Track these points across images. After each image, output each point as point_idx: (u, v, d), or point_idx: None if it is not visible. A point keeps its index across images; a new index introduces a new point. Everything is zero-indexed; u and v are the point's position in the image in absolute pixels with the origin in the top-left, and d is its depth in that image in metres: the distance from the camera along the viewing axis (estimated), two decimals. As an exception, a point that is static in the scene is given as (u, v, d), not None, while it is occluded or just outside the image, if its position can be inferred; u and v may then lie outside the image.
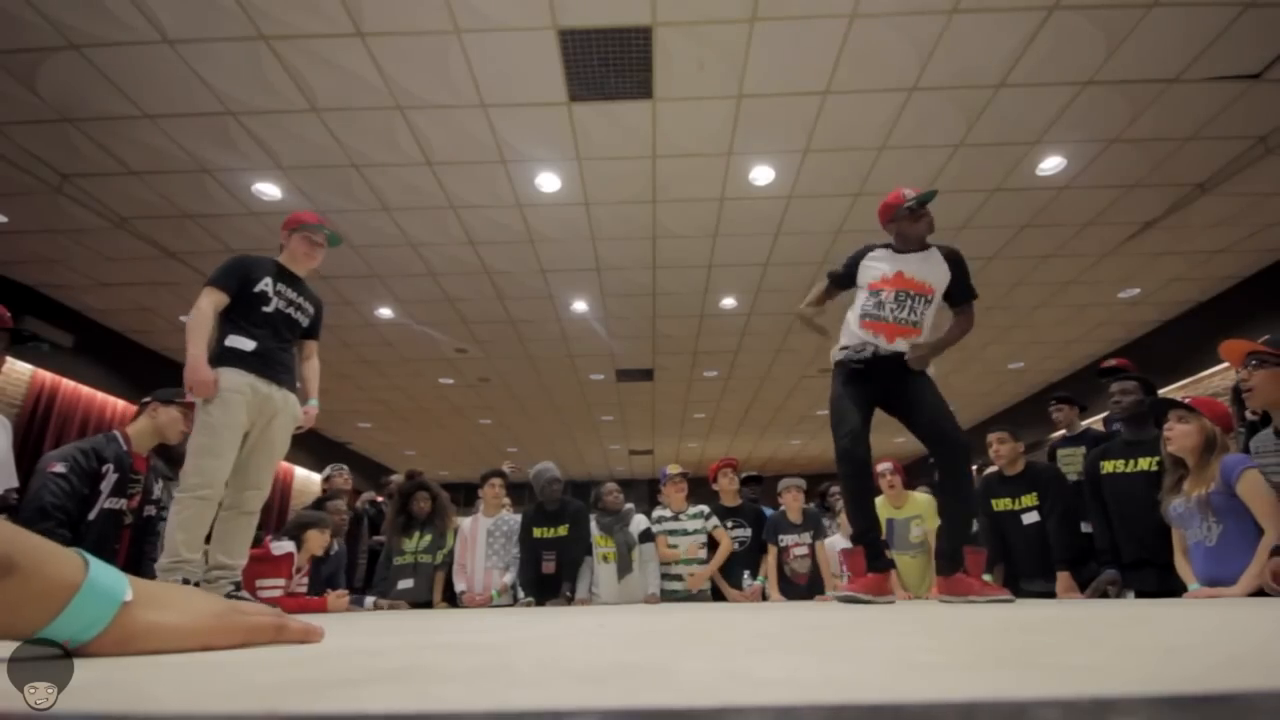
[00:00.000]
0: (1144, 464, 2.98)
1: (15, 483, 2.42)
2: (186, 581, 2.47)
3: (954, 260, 2.60)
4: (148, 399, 2.95)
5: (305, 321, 2.92)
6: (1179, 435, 2.51)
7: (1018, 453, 3.71)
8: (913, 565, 4.16)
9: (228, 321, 2.68)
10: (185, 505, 2.50)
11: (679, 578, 4.16)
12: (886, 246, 2.64)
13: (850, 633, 0.88)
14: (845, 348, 2.53)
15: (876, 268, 2.58)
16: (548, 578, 4.09)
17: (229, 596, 2.53)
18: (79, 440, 2.83)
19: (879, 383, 2.48)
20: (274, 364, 2.72)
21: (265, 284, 2.74)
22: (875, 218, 5.46)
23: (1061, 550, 3.33)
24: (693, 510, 4.28)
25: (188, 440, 2.62)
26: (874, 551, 2.44)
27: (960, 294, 2.63)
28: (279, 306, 2.77)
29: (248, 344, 2.65)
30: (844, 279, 2.70)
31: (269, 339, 2.71)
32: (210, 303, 2.62)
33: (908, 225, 2.56)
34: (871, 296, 2.54)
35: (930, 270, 2.55)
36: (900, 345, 2.48)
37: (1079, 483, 3.43)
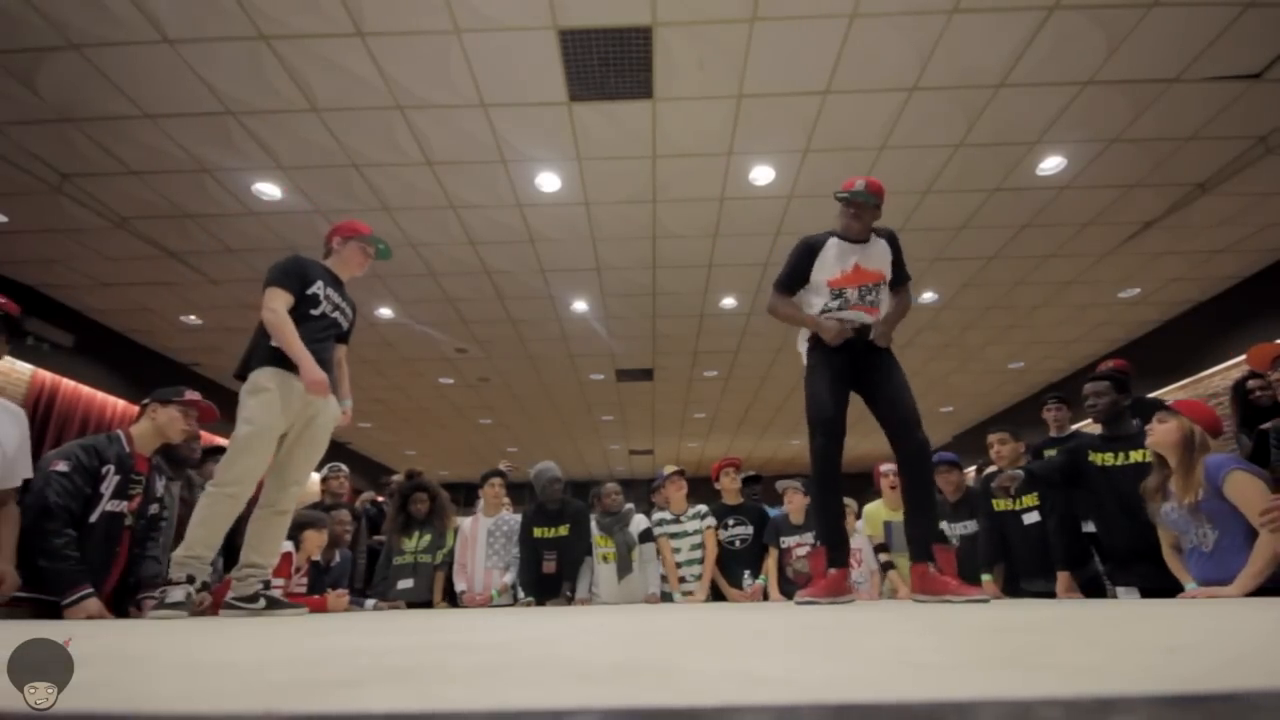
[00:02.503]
0: (1136, 456, 2.96)
1: (30, 474, 2.41)
2: (191, 580, 2.46)
3: (892, 240, 2.70)
4: (147, 400, 2.94)
5: (345, 325, 2.99)
6: (1159, 433, 2.54)
7: (1018, 453, 3.71)
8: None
9: None
10: (214, 500, 2.50)
11: (682, 579, 4.16)
12: (831, 235, 2.69)
13: (851, 632, 0.88)
14: (848, 326, 2.61)
15: (833, 263, 2.62)
16: (548, 578, 4.08)
17: (258, 595, 2.58)
18: (80, 439, 2.82)
19: (853, 359, 2.58)
20: (318, 364, 2.71)
21: (318, 287, 2.79)
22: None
23: (1062, 550, 3.32)
24: (692, 512, 4.28)
25: (231, 437, 2.62)
26: (836, 551, 2.51)
27: (898, 276, 2.73)
28: (326, 310, 2.81)
29: None
30: (797, 280, 2.71)
31: (314, 340, 2.72)
32: (283, 303, 2.64)
33: (845, 215, 2.64)
34: (835, 296, 2.62)
35: (878, 257, 2.66)
36: (866, 318, 2.62)
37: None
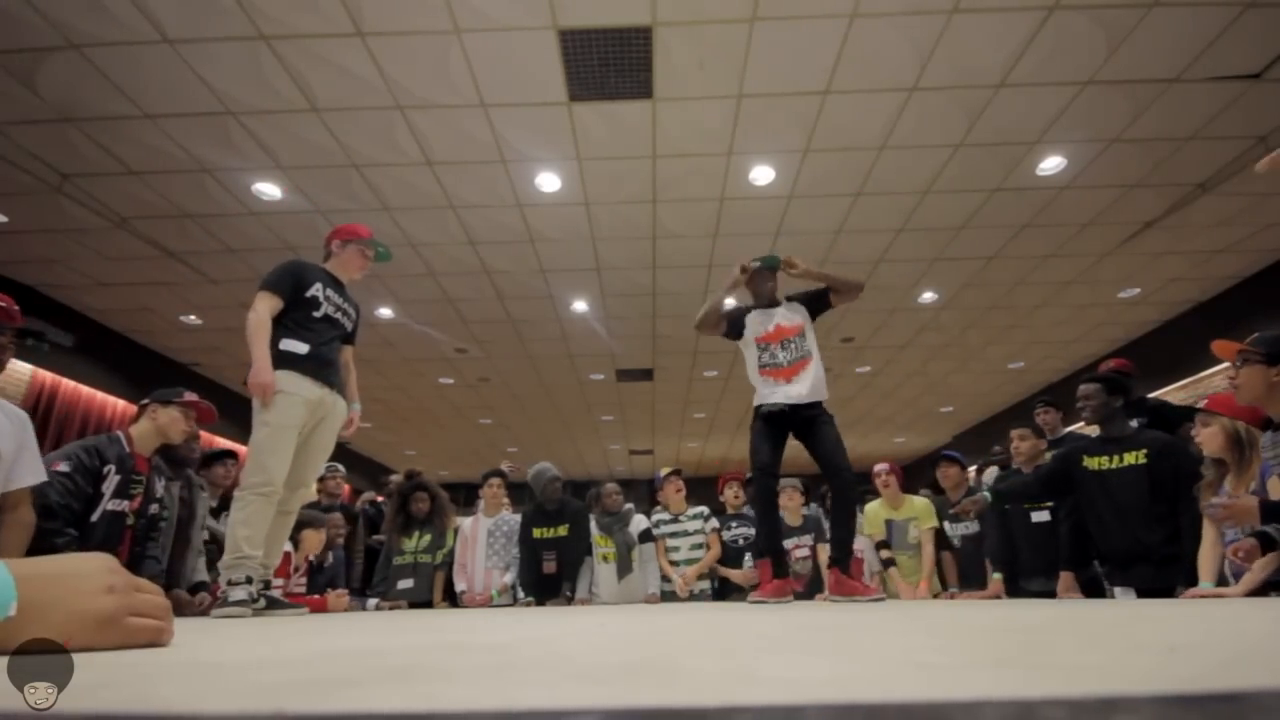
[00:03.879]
0: (1130, 458, 2.94)
1: (42, 477, 2.39)
2: (250, 580, 2.52)
3: (804, 297, 3.19)
4: (146, 400, 2.94)
5: (349, 326, 3.02)
6: (1205, 439, 2.52)
7: (1038, 450, 3.70)
8: (910, 565, 4.18)
9: (280, 325, 2.75)
10: (247, 502, 2.57)
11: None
12: (750, 308, 3.22)
13: (853, 632, 0.88)
14: (764, 402, 3.02)
15: (758, 325, 3.14)
16: (548, 578, 4.08)
17: (259, 595, 2.62)
18: (81, 439, 2.82)
19: (791, 422, 3.01)
20: (325, 366, 2.80)
21: (316, 289, 2.83)
22: (874, 218, 5.47)
23: (1070, 551, 3.31)
24: (692, 511, 4.28)
25: (251, 438, 2.66)
26: (778, 561, 2.90)
27: (822, 298, 3.16)
28: (328, 311, 2.86)
29: (301, 347, 2.73)
30: (733, 324, 3.21)
31: (320, 342, 2.79)
32: (267, 307, 2.70)
33: (755, 283, 3.16)
34: (763, 350, 3.09)
35: (793, 315, 3.13)
36: (800, 392, 2.98)
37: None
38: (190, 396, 2.92)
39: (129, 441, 2.78)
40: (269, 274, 2.81)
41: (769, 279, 3.18)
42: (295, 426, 2.67)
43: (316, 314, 2.82)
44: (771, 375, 3.04)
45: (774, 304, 3.18)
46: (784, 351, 3.06)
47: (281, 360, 2.68)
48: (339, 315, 2.93)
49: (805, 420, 2.99)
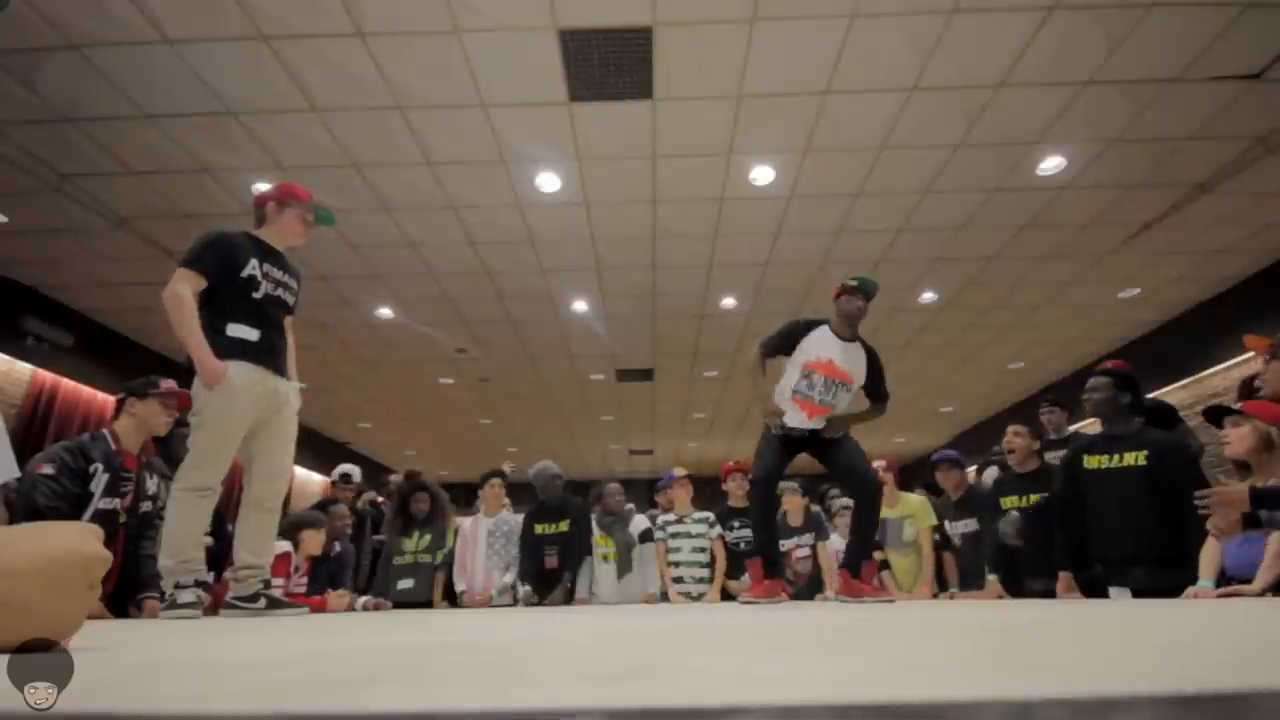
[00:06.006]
0: (1130, 459, 2.91)
1: (17, 473, 2.30)
2: (199, 584, 2.43)
3: (872, 360, 3.07)
4: (121, 395, 2.80)
5: (292, 300, 2.73)
6: (1235, 439, 2.49)
7: (1031, 448, 3.68)
8: (904, 564, 4.17)
9: (217, 310, 2.46)
10: (184, 502, 2.40)
11: (679, 579, 4.16)
12: (824, 324, 3.04)
13: (852, 633, 0.88)
14: (780, 422, 2.95)
15: (815, 349, 2.98)
16: (549, 572, 4.09)
17: (259, 594, 2.52)
18: (63, 441, 2.77)
19: (808, 442, 3.01)
20: (276, 352, 2.59)
21: (252, 267, 2.52)
22: (874, 218, 5.47)
23: (1067, 551, 3.30)
24: (698, 515, 4.26)
25: (186, 435, 2.54)
26: (770, 562, 2.95)
27: (877, 393, 3.13)
28: (268, 291, 2.56)
29: (252, 333, 2.48)
30: (779, 348, 3.06)
31: (267, 326, 2.54)
32: (189, 288, 2.40)
33: (846, 301, 2.99)
34: (804, 378, 2.96)
35: (853, 362, 3.01)
36: (818, 422, 2.97)
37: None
38: (168, 384, 2.77)
39: (114, 439, 2.73)
40: (192, 249, 2.47)
41: (860, 301, 2.99)
42: (240, 422, 2.44)
43: (256, 295, 2.51)
44: (799, 404, 2.95)
45: (845, 336, 3.02)
46: (824, 391, 2.94)
47: (233, 349, 2.43)
48: (280, 292, 2.63)
49: (815, 440, 2.96)
